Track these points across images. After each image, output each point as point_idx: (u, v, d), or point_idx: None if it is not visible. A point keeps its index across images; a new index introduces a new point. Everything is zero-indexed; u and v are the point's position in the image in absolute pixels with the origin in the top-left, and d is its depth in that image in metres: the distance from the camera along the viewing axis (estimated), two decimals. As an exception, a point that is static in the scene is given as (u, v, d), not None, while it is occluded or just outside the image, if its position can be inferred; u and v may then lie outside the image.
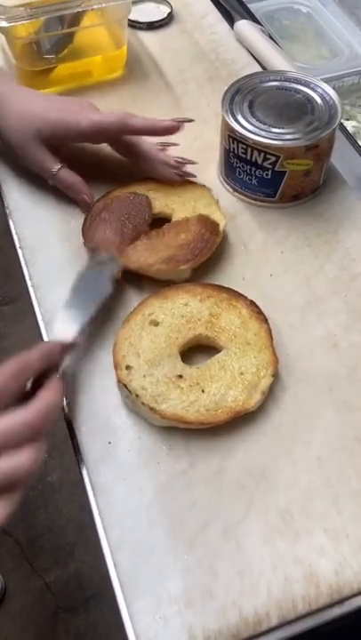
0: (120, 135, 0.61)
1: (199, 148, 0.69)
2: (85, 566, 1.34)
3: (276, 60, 0.75)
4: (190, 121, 0.62)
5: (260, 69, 0.77)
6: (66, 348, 0.49)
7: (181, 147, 0.69)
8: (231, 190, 0.64)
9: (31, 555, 1.37)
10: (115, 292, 0.56)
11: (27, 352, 0.45)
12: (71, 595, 1.33)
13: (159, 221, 0.60)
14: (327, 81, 0.67)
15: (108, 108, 0.72)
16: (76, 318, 0.51)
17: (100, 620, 1.29)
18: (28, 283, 0.58)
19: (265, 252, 0.60)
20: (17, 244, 0.60)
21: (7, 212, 0.63)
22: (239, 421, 0.48)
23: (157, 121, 0.61)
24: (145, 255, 0.56)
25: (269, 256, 0.60)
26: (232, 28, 0.82)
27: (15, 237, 0.61)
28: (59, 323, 0.51)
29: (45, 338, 0.54)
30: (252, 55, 0.79)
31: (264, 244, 0.61)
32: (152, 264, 0.55)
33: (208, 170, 0.67)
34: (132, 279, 0.56)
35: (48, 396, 0.44)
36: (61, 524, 1.40)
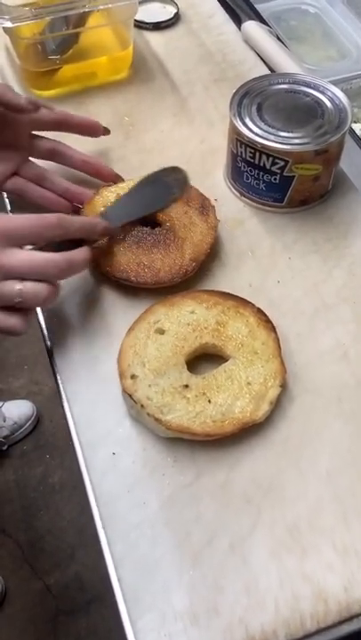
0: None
1: (206, 151, 0.68)
2: (86, 569, 1.33)
3: (284, 61, 0.74)
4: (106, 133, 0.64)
5: (267, 71, 0.76)
6: (107, 229, 0.54)
7: (187, 149, 0.68)
8: (238, 195, 0.63)
9: (31, 557, 1.36)
10: (119, 298, 0.55)
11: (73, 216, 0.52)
12: (71, 597, 1.32)
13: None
14: (335, 83, 0.66)
15: (113, 110, 0.72)
16: (128, 211, 0.57)
17: (100, 623, 1.28)
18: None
19: (272, 257, 0.59)
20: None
21: (9, 215, 0.62)
22: (246, 432, 0.47)
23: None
24: (183, 254, 0.56)
25: (277, 262, 0.59)
26: (239, 28, 0.81)
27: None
28: (111, 208, 0.57)
29: (47, 340, 0.53)
30: (259, 56, 0.78)
31: (272, 249, 0.60)
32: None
33: (215, 174, 0.66)
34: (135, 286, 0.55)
35: (76, 254, 0.50)
36: (62, 526, 1.39)
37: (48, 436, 1.52)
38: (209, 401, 0.47)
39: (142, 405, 0.46)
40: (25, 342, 1.65)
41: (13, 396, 1.55)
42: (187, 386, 0.48)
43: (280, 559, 0.43)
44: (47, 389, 1.57)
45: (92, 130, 0.63)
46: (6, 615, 1.30)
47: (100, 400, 0.50)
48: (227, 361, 0.50)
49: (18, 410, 1.48)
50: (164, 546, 0.43)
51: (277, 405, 0.49)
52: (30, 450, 1.50)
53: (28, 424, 1.48)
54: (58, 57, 0.71)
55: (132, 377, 0.48)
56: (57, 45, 0.71)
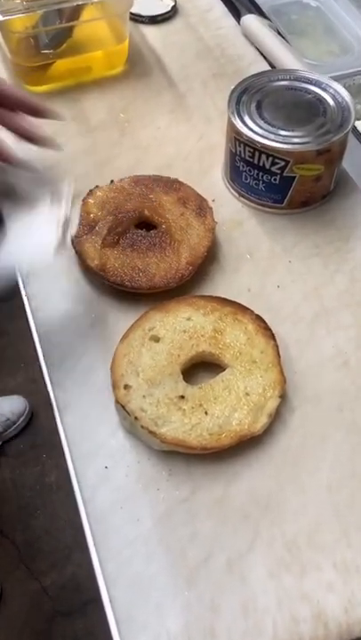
0: None
1: (203, 149, 0.66)
2: (83, 570, 1.32)
3: (285, 56, 0.72)
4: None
5: (267, 66, 0.74)
6: None
7: (185, 147, 0.66)
8: (237, 195, 0.61)
9: (28, 557, 1.35)
10: (113, 304, 0.53)
11: None
12: (68, 599, 1.31)
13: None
14: (337, 79, 0.64)
15: (108, 106, 0.70)
16: None
17: (97, 625, 1.27)
18: (22, 292, 0.55)
19: (272, 261, 0.57)
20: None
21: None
22: (244, 445, 0.45)
23: None
24: (177, 258, 0.54)
25: (276, 265, 0.57)
26: (238, 22, 0.79)
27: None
28: None
29: (39, 347, 0.52)
30: (259, 51, 0.76)
31: (271, 252, 0.58)
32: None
33: (212, 173, 0.64)
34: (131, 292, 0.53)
35: None
36: (59, 527, 1.38)
37: (45, 435, 1.50)
38: (206, 412, 0.45)
39: (136, 417, 0.45)
40: (22, 340, 1.63)
41: (10, 394, 1.53)
42: (182, 397, 0.46)
43: (279, 578, 0.41)
44: (45, 388, 1.55)
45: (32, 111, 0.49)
46: (2, 616, 1.28)
47: (93, 410, 0.48)
48: (224, 370, 0.48)
49: (10, 406, 1.45)
50: (158, 564, 0.41)
51: (277, 416, 0.47)
52: (27, 449, 1.49)
53: (20, 420, 1.45)
54: (51, 51, 0.69)
55: (126, 387, 0.46)
56: (50, 39, 0.69)
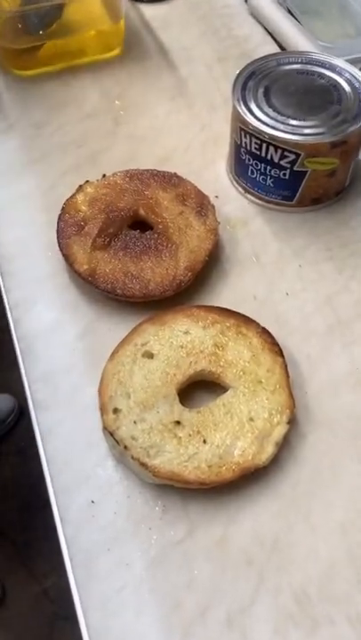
0: None
1: (206, 140, 0.61)
2: (84, 572, 1.29)
3: (296, 38, 0.67)
4: None
5: (276, 48, 0.70)
6: None
7: (185, 138, 0.61)
8: (242, 191, 0.56)
9: (28, 559, 1.32)
10: (102, 314, 0.48)
11: None
12: (70, 602, 1.27)
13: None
14: (352, 62, 0.59)
15: (103, 91, 0.66)
16: None
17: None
18: (4, 296, 0.51)
19: (280, 265, 0.52)
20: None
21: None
22: (247, 479, 0.40)
23: None
24: (173, 263, 0.49)
25: (285, 270, 0.52)
26: (246, 0, 0.75)
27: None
28: None
29: (20, 365, 0.47)
30: (268, 32, 0.72)
31: (279, 255, 0.52)
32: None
33: (216, 166, 0.59)
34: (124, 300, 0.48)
35: None
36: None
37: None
38: (204, 441, 0.40)
39: (126, 446, 0.40)
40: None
41: (9, 391, 1.49)
42: (178, 422, 0.41)
43: (286, 634, 0.36)
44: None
45: None
46: (1, 619, 1.26)
47: (79, 435, 0.43)
48: (226, 391, 0.43)
49: None
50: (149, 617, 0.37)
51: (285, 445, 0.42)
52: (28, 447, 1.46)
53: (9, 419, 1.42)
54: (40, 32, 0.64)
55: (115, 411, 0.41)
56: (39, 19, 0.64)
